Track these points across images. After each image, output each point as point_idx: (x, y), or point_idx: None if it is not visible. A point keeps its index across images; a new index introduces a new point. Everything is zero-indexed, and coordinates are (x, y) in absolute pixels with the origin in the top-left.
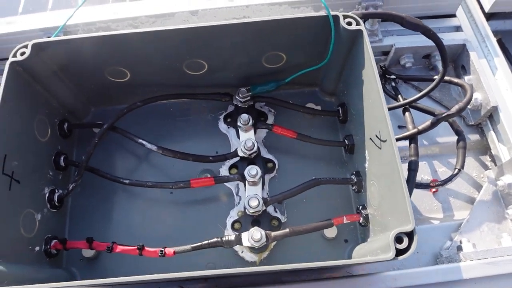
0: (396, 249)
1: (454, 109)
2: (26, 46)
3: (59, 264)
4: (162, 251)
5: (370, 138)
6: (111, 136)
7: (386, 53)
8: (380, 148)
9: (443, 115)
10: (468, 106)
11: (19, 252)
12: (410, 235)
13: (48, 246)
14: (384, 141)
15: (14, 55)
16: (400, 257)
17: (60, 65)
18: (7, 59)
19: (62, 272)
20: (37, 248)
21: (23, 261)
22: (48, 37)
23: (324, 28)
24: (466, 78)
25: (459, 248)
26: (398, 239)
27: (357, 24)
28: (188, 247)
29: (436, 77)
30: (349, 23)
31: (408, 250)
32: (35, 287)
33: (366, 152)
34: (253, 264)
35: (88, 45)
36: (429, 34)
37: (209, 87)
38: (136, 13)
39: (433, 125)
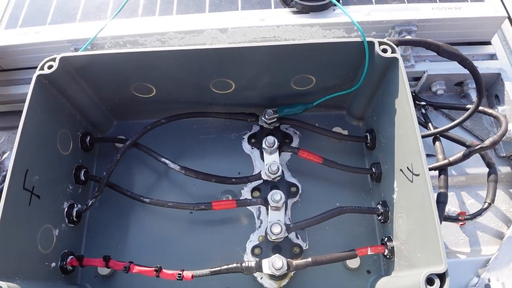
0: None
1: (488, 142)
2: (53, 60)
3: (74, 281)
4: (180, 274)
5: (401, 169)
6: (132, 151)
7: (417, 79)
8: (412, 181)
9: (476, 147)
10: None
11: (35, 268)
12: (442, 276)
13: (64, 263)
14: (417, 175)
15: (42, 68)
16: None
17: (86, 79)
18: (34, 67)
19: None
20: (53, 264)
21: (38, 277)
22: (76, 49)
23: (358, 54)
24: (500, 108)
25: (487, 287)
26: (429, 280)
27: (393, 51)
28: (206, 271)
29: (469, 106)
30: (385, 50)
31: None
32: None
33: (395, 183)
34: None
35: (116, 60)
36: (466, 63)
37: (235, 106)
38: (165, 29)
39: (465, 157)
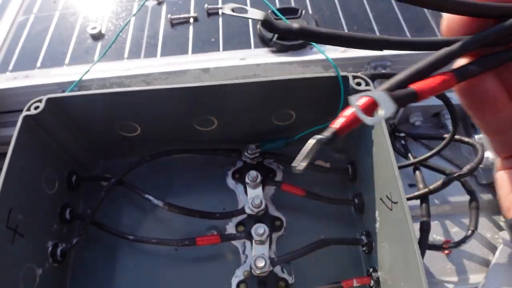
0: None
1: (465, 169)
2: (40, 101)
3: None
4: None
5: (381, 199)
6: (118, 189)
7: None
8: (391, 210)
9: (455, 175)
10: (480, 165)
11: None
12: None
13: None
14: (395, 203)
15: (28, 109)
16: None
17: (73, 118)
18: (21, 110)
19: None
20: None
21: None
22: (63, 91)
23: (334, 87)
24: (477, 137)
25: None
26: None
27: (366, 84)
28: None
29: (446, 136)
30: (358, 83)
31: None
32: None
33: (377, 212)
34: None
35: (101, 100)
36: (439, 95)
37: (218, 142)
38: (149, 70)
39: (444, 185)
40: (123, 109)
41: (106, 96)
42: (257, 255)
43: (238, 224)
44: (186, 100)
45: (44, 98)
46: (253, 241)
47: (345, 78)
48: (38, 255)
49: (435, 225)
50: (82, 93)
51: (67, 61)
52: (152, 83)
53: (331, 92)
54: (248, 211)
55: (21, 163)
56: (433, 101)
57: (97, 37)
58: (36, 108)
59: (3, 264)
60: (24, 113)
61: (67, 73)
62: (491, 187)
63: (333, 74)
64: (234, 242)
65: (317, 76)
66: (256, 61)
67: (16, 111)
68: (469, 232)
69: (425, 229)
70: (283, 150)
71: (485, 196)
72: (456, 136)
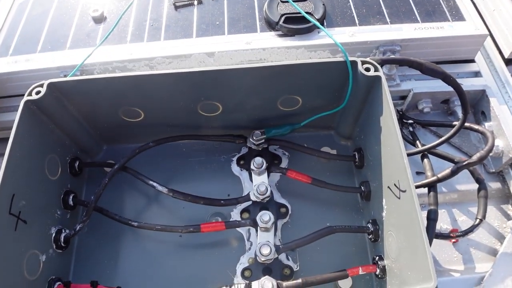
0: None
1: (475, 157)
2: (41, 85)
3: None
4: None
5: (388, 187)
6: (121, 175)
7: (403, 98)
8: (399, 198)
9: (464, 163)
10: (490, 154)
11: None
12: None
13: None
14: (404, 191)
15: (29, 94)
16: None
17: (75, 104)
18: (23, 95)
19: None
20: None
21: None
22: (65, 76)
23: (342, 73)
24: (487, 124)
25: None
26: None
27: (376, 70)
28: None
29: (455, 123)
30: (367, 69)
31: None
32: None
33: (384, 200)
34: None
35: (104, 85)
36: (449, 80)
37: (223, 128)
38: (153, 54)
39: (453, 173)
40: (126, 94)
41: (108, 81)
42: (262, 242)
43: (243, 211)
44: (190, 85)
45: (46, 82)
46: (258, 228)
47: (354, 63)
48: (41, 242)
49: (442, 213)
50: (84, 77)
51: (68, 44)
52: (156, 68)
53: (339, 77)
54: (253, 198)
55: (23, 148)
56: (442, 87)
57: (99, 20)
58: (38, 93)
59: (6, 250)
60: (25, 98)
61: (68, 57)
62: (500, 175)
63: (341, 59)
64: (239, 229)
65: (324, 61)
66: (262, 45)
67: (18, 95)
68: (477, 221)
69: (432, 217)
70: (288, 137)
71: (494, 185)
72: (466, 124)
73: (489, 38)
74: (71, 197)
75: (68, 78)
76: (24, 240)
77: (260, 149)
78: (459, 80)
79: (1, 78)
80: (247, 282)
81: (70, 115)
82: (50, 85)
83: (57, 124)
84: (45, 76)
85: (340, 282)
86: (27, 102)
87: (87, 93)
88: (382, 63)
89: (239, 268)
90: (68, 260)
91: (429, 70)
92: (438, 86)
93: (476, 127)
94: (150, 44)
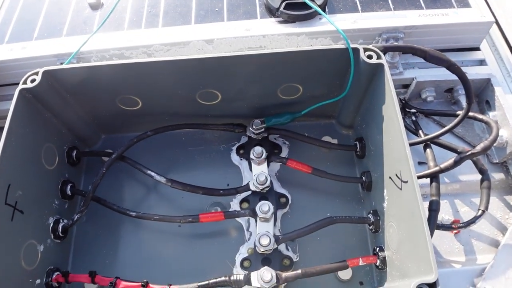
0: None
1: (479, 148)
2: (36, 73)
3: None
4: None
5: (390, 177)
6: (119, 165)
7: (406, 86)
8: (401, 189)
9: (467, 153)
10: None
11: (18, 286)
12: (433, 286)
13: (50, 279)
14: (405, 182)
15: (24, 82)
16: None
17: (71, 92)
18: (18, 84)
19: None
20: (37, 281)
21: None
22: (61, 64)
23: (343, 61)
24: (491, 114)
25: None
26: None
27: (378, 57)
28: (194, 285)
29: (459, 112)
30: (370, 56)
31: None
32: None
33: (385, 191)
34: None
35: (100, 73)
36: (454, 68)
37: (222, 117)
38: (151, 41)
39: (456, 163)
40: (123, 82)
41: (105, 69)
42: (262, 232)
43: (242, 201)
44: (188, 73)
45: (41, 70)
46: (258, 218)
47: (356, 51)
48: (39, 232)
49: (443, 204)
50: (81, 65)
51: (65, 31)
52: (154, 55)
53: (340, 65)
54: (252, 187)
55: (19, 137)
56: (447, 75)
57: (96, 6)
58: (33, 81)
59: (3, 241)
60: (20, 86)
61: (65, 44)
62: (503, 166)
63: (343, 46)
64: (238, 219)
65: (326, 48)
66: (262, 32)
67: (13, 84)
68: (479, 212)
69: (434, 208)
70: (289, 126)
71: (497, 176)
72: (470, 113)
73: (495, 26)
74: (69, 186)
75: (63, 66)
76: (21, 230)
77: (260, 138)
78: (463, 69)
79: None
80: (246, 272)
81: (67, 103)
82: (45, 73)
83: (53, 113)
84: (42, 64)
85: (340, 273)
86: (22, 90)
87: (84, 81)
88: (385, 50)
89: (238, 259)
90: (66, 250)
91: (433, 58)
92: (442, 74)
93: (480, 116)
94: (148, 31)
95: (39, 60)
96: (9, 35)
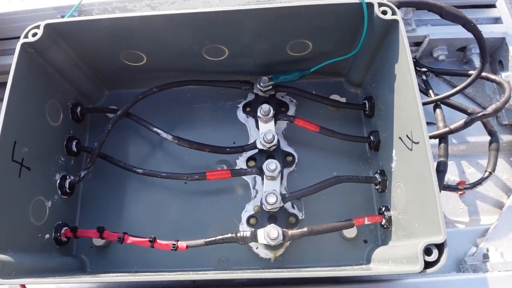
0: (424, 261)
1: (490, 109)
2: (38, 27)
3: (69, 252)
4: (174, 244)
5: (400, 137)
6: (125, 122)
7: (418, 44)
8: (411, 150)
9: (478, 115)
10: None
11: (28, 240)
12: (440, 247)
13: (58, 234)
14: (416, 143)
15: (26, 36)
16: (429, 270)
17: (73, 46)
18: (19, 38)
19: (72, 260)
20: (47, 236)
21: (32, 249)
22: (62, 17)
23: (356, 16)
24: (504, 74)
25: (485, 257)
26: (427, 250)
27: (393, 13)
28: (201, 241)
29: (471, 72)
30: (384, 12)
31: (437, 263)
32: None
33: (394, 151)
34: (267, 261)
35: (103, 27)
36: (470, 26)
37: (229, 74)
38: None
39: (466, 125)
40: (126, 36)
41: (108, 22)
42: (268, 191)
43: (249, 159)
44: (194, 27)
45: (42, 24)
46: (264, 176)
47: (370, 5)
48: (46, 188)
49: (450, 165)
50: (82, 18)
51: None
52: (158, 8)
53: (352, 20)
54: (259, 146)
55: (22, 93)
56: (460, 33)
57: None
58: (34, 34)
59: (11, 197)
60: (22, 40)
61: None
62: None
63: (356, 1)
64: (245, 177)
65: (337, 3)
66: None
67: (13, 38)
68: (486, 173)
69: (441, 169)
70: (297, 83)
71: (506, 137)
72: (483, 73)
73: None
74: (74, 143)
75: (65, 19)
76: (28, 187)
77: (267, 95)
78: (480, 27)
79: None
80: (253, 229)
81: (69, 58)
82: (47, 27)
83: (56, 68)
84: (42, 17)
85: (345, 231)
86: (23, 44)
87: (86, 35)
88: (400, 5)
89: (244, 216)
90: (74, 206)
91: (449, 15)
92: (456, 32)
93: (493, 77)
94: None
95: (39, 13)
96: None
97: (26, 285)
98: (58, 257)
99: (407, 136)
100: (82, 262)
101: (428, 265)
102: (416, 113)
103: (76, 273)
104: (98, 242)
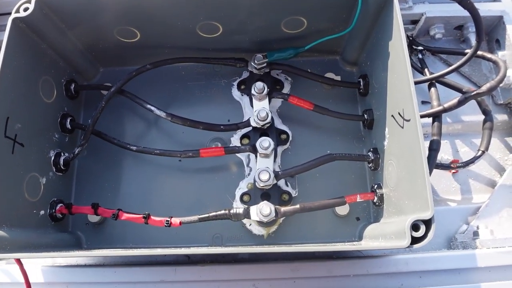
0: (412, 236)
1: (484, 88)
2: (29, 1)
3: (64, 228)
4: (168, 221)
5: (392, 115)
6: (119, 99)
7: (415, 22)
8: (402, 127)
9: (472, 93)
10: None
11: (23, 216)
12: (428, 222)
13: (54, 210)
14: (408, 121)
15: (17, 11)
16: (416, 246)
17: (66, 22)
18: (10, 13)
19: (67, 236)
20: (42, 212)
21: (27, 225)
22: None
23: None
24: (500, 53)
25: (476, 234)
26: (415, 226)
27: None
28: (195, 218)
29: (468, 51)
30: None
31: (424, 239)
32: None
33: (387, 129)
34: (260, 237)
35: (96, 1)
36: (466, 4)
37: (224, 51)
38: None
39: (460, 103)
40: (119, 12)
41: None
42: (262, 168)
43: (243, 137)
44: (187, 3)
45: None
46: (258, 154)
47: None
48: (40, 165)
49: (444, 143)
50: None
51: None
52: None
53: None
54: (253, 123)
55: (15, 69)
56: (458, 11)
57: None
58: (26, 9)
59: (5, 173)
60: (13, 15)
61: None
62: (507, 107)
63: None
64: (238, 155)
65: None
66: None
67: (5, 14)
68: (479, 152)
69: (434, 148)
70: (291, 61)
71: (500, 117)
72: (479, 52)
73: None
74: (68, 120)
75: None
76: (22, 163)
77: (261, 73)
78: (477, 5)
79: None
80: (246, 206)
81: (62, 34)
82: (38, 1)
83: (49, 44)
84: None
85: (338, 209)
86: (15, 19)
87: (78, 10)
88: None
89: (238, 193)
90: (69, 183)
91: None
92: (453, 10)
93: (489, 55)
94: None
95: None
96: None
97: (21, 260)
98: (53, 233)
99: (399, 113)
100: (78, 239)
101: (415, 240)
102: (408, 91)
103: (72, 249)
104: (94, 218)
